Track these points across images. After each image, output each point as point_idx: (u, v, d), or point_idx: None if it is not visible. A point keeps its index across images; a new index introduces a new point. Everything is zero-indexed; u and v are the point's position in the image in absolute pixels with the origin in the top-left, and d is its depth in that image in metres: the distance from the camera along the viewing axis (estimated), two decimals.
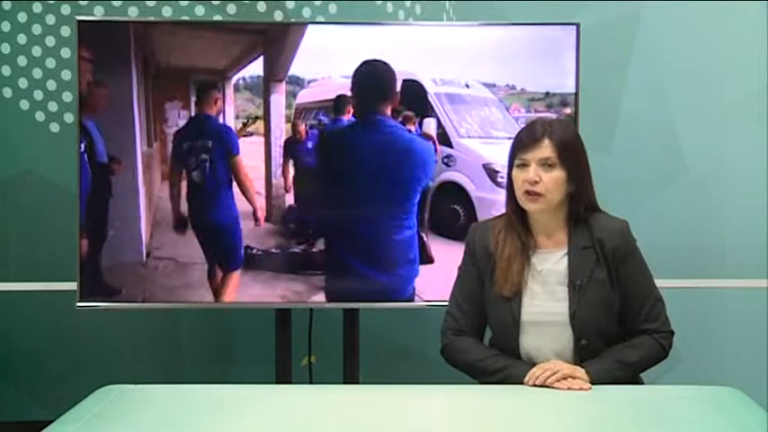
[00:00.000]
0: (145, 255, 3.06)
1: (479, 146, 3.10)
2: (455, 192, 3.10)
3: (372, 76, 3.01)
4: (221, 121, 3.03)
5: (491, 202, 3.03)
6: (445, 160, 3.09)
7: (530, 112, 3.07)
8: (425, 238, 3.06)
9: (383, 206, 3.04)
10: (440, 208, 3.09)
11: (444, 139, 3.08)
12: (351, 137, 3.04)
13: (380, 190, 3.04)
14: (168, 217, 3.06)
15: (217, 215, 3.04)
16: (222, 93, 2.99)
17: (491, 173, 3.08)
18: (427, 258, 3.07)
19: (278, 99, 3.05)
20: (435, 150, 3.05)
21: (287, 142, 3.03)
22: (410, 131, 3.02)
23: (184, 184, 3.02)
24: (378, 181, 3.04)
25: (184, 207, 3.01)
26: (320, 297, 3.08)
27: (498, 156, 3.04)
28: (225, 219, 3.03)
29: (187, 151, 3.00)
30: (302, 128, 3.00)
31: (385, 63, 3.01)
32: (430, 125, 3.07)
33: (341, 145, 3.05)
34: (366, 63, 3.01)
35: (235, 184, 3.04)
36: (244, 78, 3.05)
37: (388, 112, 3.02)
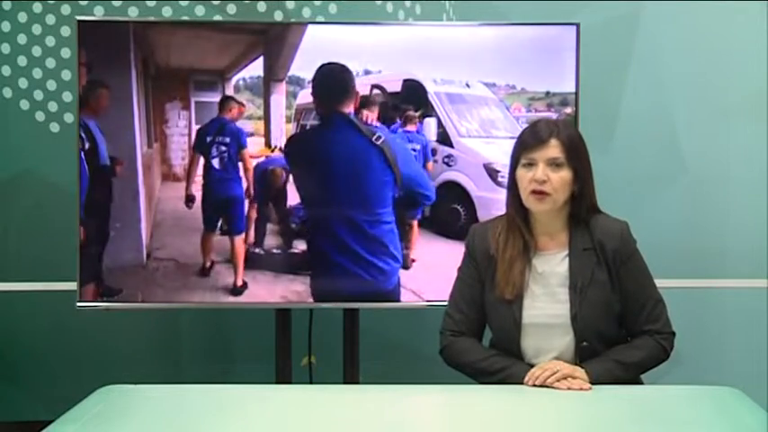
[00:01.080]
0: (145, 255, 3.06)
1: (480, 145, 3.10)
2: (456, 191, 3.10)
3: (331, 78, 3.03)
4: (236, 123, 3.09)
5: (492, 202, 3.02)
6: (446, 160, 3.09)
7: (530, 111, 3.07)
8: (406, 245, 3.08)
9: (355, 202, 3.04)
10: (440, 207, 3.09)
11: (445, 138, 3.08)
12: (315, 137, 3.05)
13: (350, 186, 3.04)
14: (168, 218, 3.07)
15: (227, 191, 3.10)
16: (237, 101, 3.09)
17: (492, 172, 3.08)
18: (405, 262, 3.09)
19: (278, 99, 3.05)
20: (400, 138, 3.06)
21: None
22: (373, 126, 3.03)
23: (201, 167, 3.09)
24: (346, 178, 3.04)
25: (198, 186, 3.10)
26: None
27: (499, 155, 3.04)
28: (233, 193, 3.10)
29: (209, 144, 3.08)
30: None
31: (343, 65, 3.02)
32: (430, 125, 3.07)
33: (307, 146, 3.06)
34: (324, 65, 3.02)
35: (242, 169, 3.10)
36: (244, 79, 3.05)
37: (348, 110, 3.02)
